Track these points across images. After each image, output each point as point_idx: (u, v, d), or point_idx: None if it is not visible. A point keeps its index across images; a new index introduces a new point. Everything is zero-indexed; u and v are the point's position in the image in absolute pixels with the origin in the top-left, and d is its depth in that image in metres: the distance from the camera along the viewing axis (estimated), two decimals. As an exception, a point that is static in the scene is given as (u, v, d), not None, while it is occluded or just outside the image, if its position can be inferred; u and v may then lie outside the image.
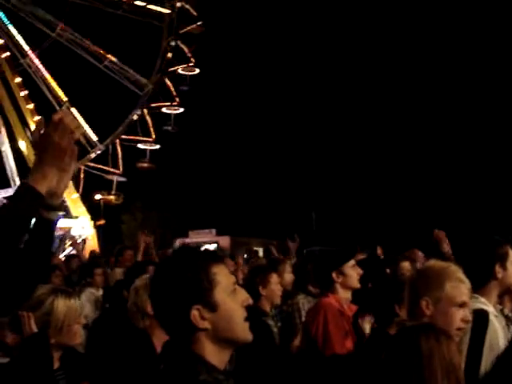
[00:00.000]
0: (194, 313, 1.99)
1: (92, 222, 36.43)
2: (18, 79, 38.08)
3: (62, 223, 35.19)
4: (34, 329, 3.54)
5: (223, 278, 2.06)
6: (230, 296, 2.05)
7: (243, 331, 2.06)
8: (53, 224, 2.14)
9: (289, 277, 6.32)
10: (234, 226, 34.85)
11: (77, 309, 3.46)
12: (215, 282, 2.03)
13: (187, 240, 31.54)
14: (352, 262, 4.68)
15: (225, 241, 30.32)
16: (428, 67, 45.82)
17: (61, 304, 3.35)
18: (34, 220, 2.07)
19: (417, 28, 47.34)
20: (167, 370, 2.05)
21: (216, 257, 2.12)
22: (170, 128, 37.33)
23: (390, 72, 46.45)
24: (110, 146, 37.97)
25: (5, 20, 37.72)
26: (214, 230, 33.03)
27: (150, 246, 9.13)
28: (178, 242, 29.94)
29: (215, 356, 2.02)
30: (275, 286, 5.27)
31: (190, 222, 35.84)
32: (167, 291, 2.04)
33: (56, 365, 3.37)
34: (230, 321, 2.03)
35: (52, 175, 1.98)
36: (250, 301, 2.12)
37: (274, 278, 5.29)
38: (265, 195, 44.21)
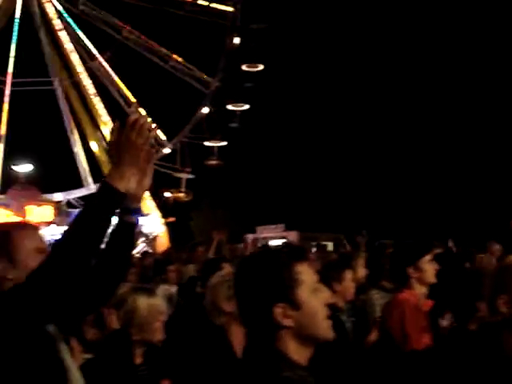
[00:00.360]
0: (278, 311, 2.02)
1: (162, 219, 37.15)
2: (88, 81, 39.22)
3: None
4: (116, 325, 3.65)
5: (307, 276, 2.08)
6: (313, 294, 2.08)
7: (325, 329, 2.09)
8: (133, 226, 2.20)
9: (362, 271, 6.26)
10: (302, 220, 34.72)
11: (158, 306, 3.55)
12: (299, 280, 2.05)
13: (255, 235, 31.70)
14: (428, 256, 4.59)
15: (293, 236, 30.24)
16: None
17: (143, 302, 3.44)
18: (115, 221, 2.13)
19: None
20: (250, 366, 2.07)
21: (300, 255, 2.13)
22: (236, 125, 37.65)
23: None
24: (178, 145, 38.63)
25: (73, 25, 38.92)
26: (282, 225, 33.05)
27: (222, 242, 9.24)
28: (247, 238, 30.12)
29: (298, 353, 2.04)
30: (349, 282, 5.23)
31: (257, 217, 35.96)
32: (251, 289, 2.07)
33: (139, 360, 3.46)
34: (313, 319, 2.06)
35: (130, 176, 2.04)
36: (332, 299, 2.13)
37: (348, 273, 5.25)
38: (331, 189, 43.88)
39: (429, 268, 4.54)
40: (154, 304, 3.51)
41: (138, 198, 2.17)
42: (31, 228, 2.50)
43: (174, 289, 8.28)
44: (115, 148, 2.04)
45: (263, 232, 32.40)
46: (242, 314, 2.14)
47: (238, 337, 3.82)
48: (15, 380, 2.11)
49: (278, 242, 28.29)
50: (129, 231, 2.18)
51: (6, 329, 1.97)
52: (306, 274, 2.08)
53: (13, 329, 1.97)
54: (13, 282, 2.25)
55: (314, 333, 2.06)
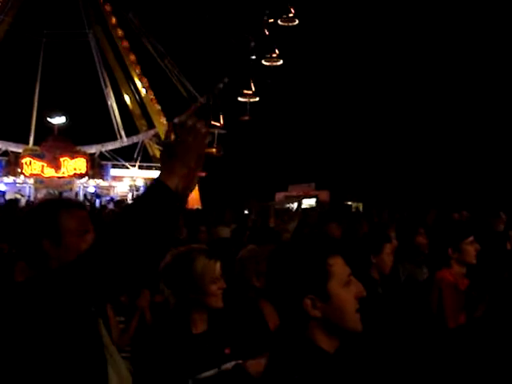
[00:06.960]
0: (307, 302, 2.07)
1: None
2: (120, 32, 39.18)
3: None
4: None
5: (339, 269, 2.10)
6: (343, 288, 2.10)
7: (354, 322, 2.11)
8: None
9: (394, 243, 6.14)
10: (333, 180, 34.57)
11: (215, 269, 3.34)
12: (330, 273, 2.08)
13: (286, 193, 31.77)
14: (471, 238, 4.53)
15: (324, 195, 30.32)
16: None
17: (200, 263, 3.28)
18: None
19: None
20: (282, 352, 2.11)
21: (334, 248, 2.15)
22: (269, 81, 37.44)
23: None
24: (210, 99, 38.60)
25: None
26: (313, 184, 33.06)
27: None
28: (277, 196, 30.22)
29: (326, 342, 2.10)
30: (387, 255, 5.09)
31: (289, 175, 35.92)
32: (283, 279, 2.12)
33: (203, 328, 3.36)
34: (342, 312, 2.09)
35: (180, 176, 2.08)
36: (364, 293, 2.14)
37: (387, 247, 5.11)
38: (363, 148, 43.43)
39: (470, 249, 4.49)
40: (211, 266, 3.28)
41: (185, 197, 2.18)
42: (77, 208, 2.53)
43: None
44: (170, 147, 2.09)
45: (295, 190, 32.46)
46: (275, 301, 2.19)
47: (268, 310, 3.79)
48: (55, 355, 2.15)
49: (310, 201, 28.36)
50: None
51: (52, 306, 2.00)
52: (338, 267, 2.10)
53: (58, 307, 2.00)
54: (57, 262, 2.31)
55: (341, 325, 2.09)
